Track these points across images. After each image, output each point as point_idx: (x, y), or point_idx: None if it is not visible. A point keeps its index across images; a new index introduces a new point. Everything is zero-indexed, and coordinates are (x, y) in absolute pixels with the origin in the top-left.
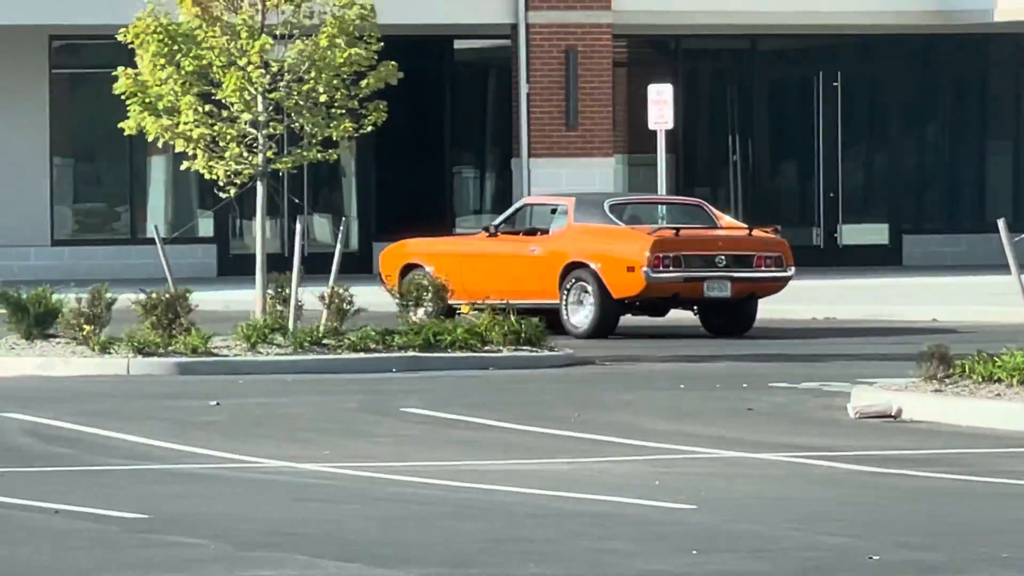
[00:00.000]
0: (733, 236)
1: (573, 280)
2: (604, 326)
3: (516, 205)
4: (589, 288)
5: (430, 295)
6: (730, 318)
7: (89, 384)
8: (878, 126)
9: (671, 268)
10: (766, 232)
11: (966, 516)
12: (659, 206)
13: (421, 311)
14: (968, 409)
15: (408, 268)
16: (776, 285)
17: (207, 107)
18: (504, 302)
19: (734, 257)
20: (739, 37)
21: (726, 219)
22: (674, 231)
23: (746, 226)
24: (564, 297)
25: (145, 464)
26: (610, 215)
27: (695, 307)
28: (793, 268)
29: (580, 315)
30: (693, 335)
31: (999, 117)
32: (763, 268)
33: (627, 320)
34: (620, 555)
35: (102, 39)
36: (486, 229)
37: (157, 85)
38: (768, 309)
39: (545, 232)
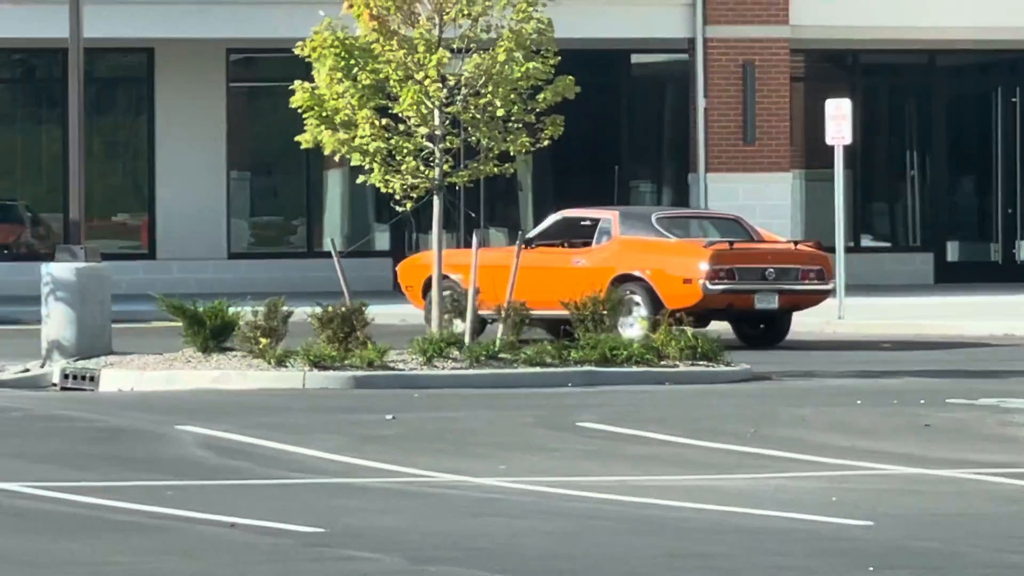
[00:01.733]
0: (780, 250)
1: (624, 292)
2: None
3: (553, 218)
4: (639, 300)
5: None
6: (766, 329)
7: (265, 397)
8: None
9: (726, 280)
10: (809, 247)
11: None
12: (699, 220)
13: (459, 321)
14: None
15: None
16: (818, 298)
17: (384, 121)
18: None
19: (782, 270)
20: (917, 52)
21: (765, 233)
22: (728, 244)
23: (790, 240)
24: None
25: (320, 478)
26: (659, 228)
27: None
28: (834, 282)
29: (628, 327)
30: (731, 346)
31: None
32: (807, 281)
33: None
34: (797, 571)
35: (279, 52)
36: (523, 241)
37: (334, 99)
38: (944, 325)
39: (586, 244)
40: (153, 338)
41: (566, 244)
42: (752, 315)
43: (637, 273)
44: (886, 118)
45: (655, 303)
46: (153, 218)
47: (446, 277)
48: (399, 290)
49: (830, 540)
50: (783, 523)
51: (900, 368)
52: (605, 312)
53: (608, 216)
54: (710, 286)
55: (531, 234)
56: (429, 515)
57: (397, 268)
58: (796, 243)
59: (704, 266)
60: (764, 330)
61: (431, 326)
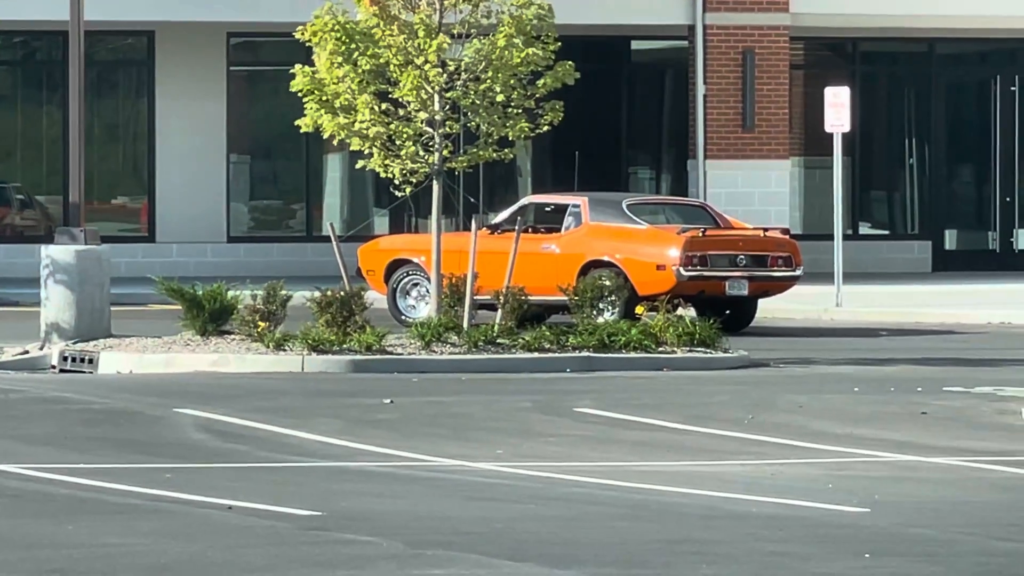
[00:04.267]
0: (751, 237)
1: (600, 278)
2: None
3: (520, 203)
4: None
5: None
6: (731, 315)
7: (263, 381)
8: None
9: (699, 267)
10: (777, 234)
11: None
12: (666, 207)
13: (422, 305)
14: None
15: (397, 264)
16: (787, 284)
17: (383, 105)
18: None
19: (752, 257)
20: (917, 40)
21: (732, 220)
22: (700, 231)
23: (758, 227)
24: None
25: (319, 461)
26: (629, 214)
27: (690, 302)
28: (802, 268)
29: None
30: None
31: None
32: (776, 268)
33: None
34: (793, 558)
35: (280, 36)
36: (488, 227)
37: (334, 83)
38: (941, 313)
39: (555, 231)
40: (152, 321)
41: (530, 230)
42: (722, 301)
43: (608, 259)
44: (885, 106)
45: (628, 289)
46: (153, 201)
47: (408, 261)
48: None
49: (826, 527)
50: (780, 509)
51: (897, 356)
52: (607, 297)
53: (577, 201)
54: (683, 272)
55: (498, 219)
56: (427, 499)
57: (357, 252)
58: (765, 230)
59: (678, 253)
60: (730, 315)
61: (430, 310)
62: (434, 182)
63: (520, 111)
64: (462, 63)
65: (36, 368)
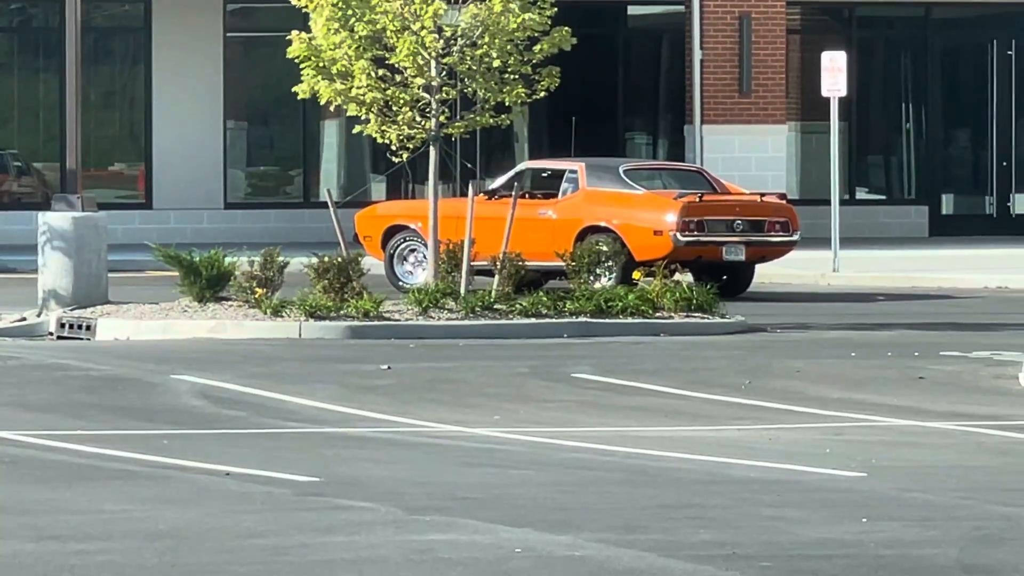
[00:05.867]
0: (748, 202)
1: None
2: None
3: (517, 169)
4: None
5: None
6: (728, 280)
7: (260, 347)
8: None
9: (696, 232)
10: (774, 198)
11: None
12: (663, 172)
13: (419, 271)
14: None
15: (394, 230)
16: (784, 249)
17: (380, 71)
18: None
19: (749, 222)
20: (913, 4)
21: (729, 184)
22: (698, 196)
23: (755, 192)
24: None
25: (316, 427)
26: (627, 179)
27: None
28: (799, 233)
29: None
30: None
31: None
32: (773, 233)
33: None
34: (790, 522)
35: (276, 3)
36: (485, 192)
37: (331, 49)
38: (939, 278)
39: (552, 196)
40: (149, 287)
41: (527, 195)
42: (720, 266)
43: (605, 224)
44: (882, 71)
45: (626, 255)
46: (150, 167)
47: (405, 227)
48: (357, 241)
49: (824, 491)
50: (777, 474)
51: (894, 320)
52: (605, 262)
53: (574, 167)
54: (681, 238)
55: (494, 185)
56: (424, 465)
57: (355, 218)
58: (762, 195)
59: (675, 218)
60: (727, 281)
61: (427, 276)
62: (431, 148)
63: (517, 77)
64: (459, 29)
65: (34, 335)
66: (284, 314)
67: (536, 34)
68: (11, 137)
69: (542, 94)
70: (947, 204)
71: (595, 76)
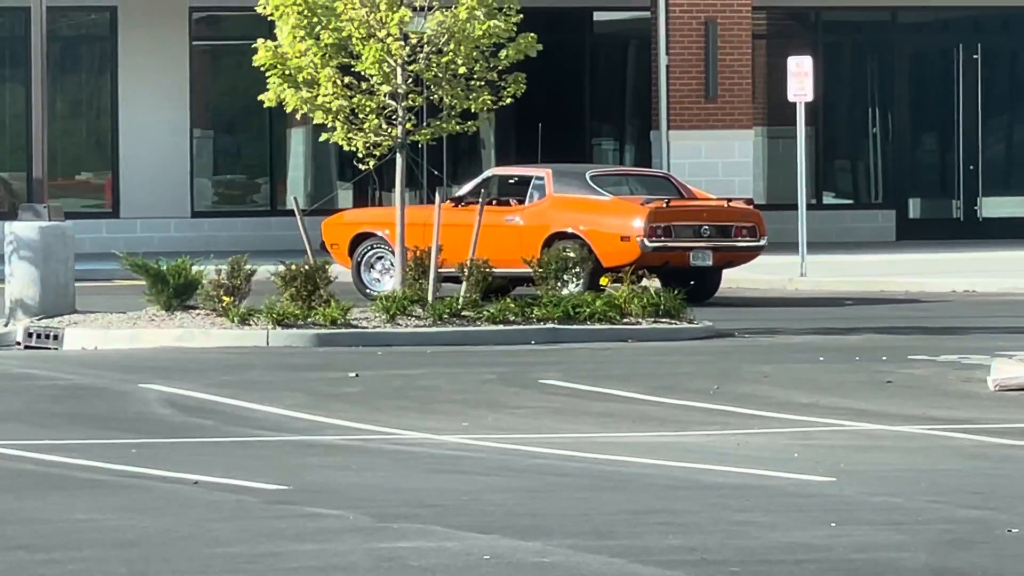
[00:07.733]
0: (715, 207)
1: (565, 249)
2: None
3: (483, 175)
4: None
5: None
6: (696, 286)
7: (228, 355)
8: (1018, 98)
9: (663, 238)
10: (741, 204)
11: None
12: (630, 178)
13: (387, 279)
14: None
15: (361, 237)
16: (751, 255)
17: (346, 79)
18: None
19: (716, 228)
20: (879, 9)
21: (696, 190)
22: (664, 202)
23: (722, 197)
24: None
25: (284, 435)
26: (593, 186)
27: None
28: (766, 238)
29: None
30: None
31: None
32: (740, 238)
33: None
34: (759, 527)
35: (242, 11)
36: (452, 199)
37: (296, 57)
38: (906, 282)
39: (519, 203)
40: (117, 296)
41: (494, 202)
42: (687, 272)
43: (573, 231)
44: (848, 75)
45: (593, 261)
46: (117, 177)
47: (372, 234)
48: (325, 248)
49: (792, 496)
50: (745, 479)
51: (862, 325)
52: (572, 269)
53: (541, 173)
54: (648, 243)
55: (461, 191)
56: (392, 472)
57: (322, 226)
58: (729, 200)
59: (642, 224)
60: (695, 286)
61: (395, 284)
62: (397, 155)
63: (483, 83)
64: (424, 36)
65: (1, 345)
66: (251, 322)
67: (502, 40)
68: None
69: (508, 100)
70: (914, 208)
71: (561, 82)
